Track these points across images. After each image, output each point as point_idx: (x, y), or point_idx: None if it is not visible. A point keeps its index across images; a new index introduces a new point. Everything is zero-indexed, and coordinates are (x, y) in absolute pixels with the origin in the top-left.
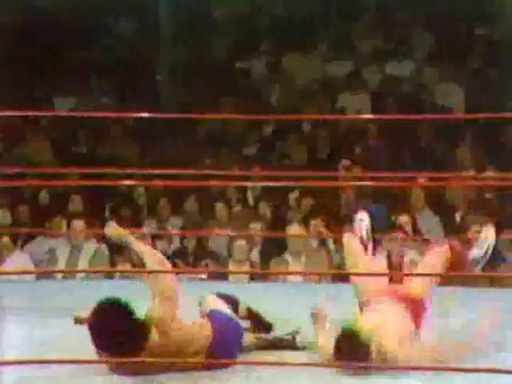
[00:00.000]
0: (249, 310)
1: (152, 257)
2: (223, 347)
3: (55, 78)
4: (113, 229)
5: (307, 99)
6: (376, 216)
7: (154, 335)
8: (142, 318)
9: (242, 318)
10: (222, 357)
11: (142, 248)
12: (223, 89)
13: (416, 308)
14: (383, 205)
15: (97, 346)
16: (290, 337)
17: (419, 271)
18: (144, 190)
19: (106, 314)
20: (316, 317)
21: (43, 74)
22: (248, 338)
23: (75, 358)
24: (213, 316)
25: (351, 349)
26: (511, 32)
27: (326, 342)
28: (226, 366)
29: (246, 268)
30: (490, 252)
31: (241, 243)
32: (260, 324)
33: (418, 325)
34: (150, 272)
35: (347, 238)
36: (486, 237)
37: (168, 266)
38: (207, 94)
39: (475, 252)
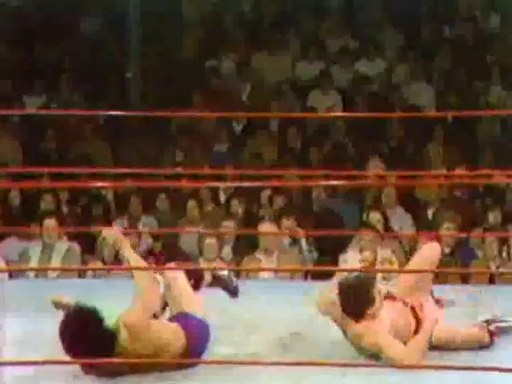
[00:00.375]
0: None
1: (137, 262)
2: (197, 353)
3: (24, 77)
4: (110, 233)
5: (277, 98)
6: (347, 214)
7: (125, 340)
8: (112, 324)
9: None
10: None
11: (134, 258)
12: (193, 87)
13: (419, 315)
14: (354, 203)
15: (66, 351)
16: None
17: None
18: (115, 189)
19: (75, 320)
20: None
21: (12, 73)
22: None
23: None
24: (183, 321)
25: (355, 292)
26: (479, 32)
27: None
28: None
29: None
30: None
31: (211, 241)
32: (225, 287)
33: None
34: (125, 269)
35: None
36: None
37: (155, 282)
38: (177, 92)
39: None
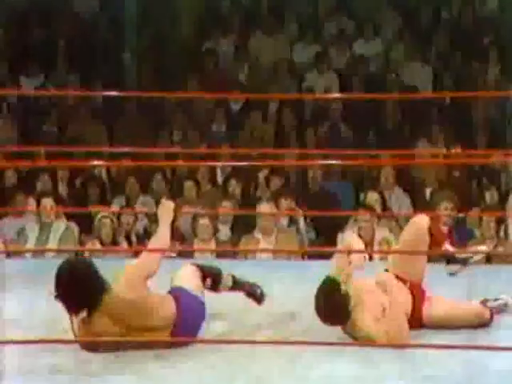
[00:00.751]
0: (234, 279)
1: (163, 239)
2: (188, 327)
3: (21, 58)
4: (167, 206)
5: (274, 79)
6: (342, 195)
7: (116, 290)
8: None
9: (225, 289)
10: (187, 336)
11: (166, 232)
12: (190, 68)
13: (416, 292)
14: (349, 183)
15: (57, 295)
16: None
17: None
18: (112, 169)
19: (69, 265)
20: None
21: (8, 54)
22: None
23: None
24: (176, 294)
25: (330, 298)
26: (476, 14)
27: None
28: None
29: (212, 246)
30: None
31: (205, 222)
32: (249, 293)
33: (417, 309)
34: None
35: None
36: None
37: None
38: (173, 73)
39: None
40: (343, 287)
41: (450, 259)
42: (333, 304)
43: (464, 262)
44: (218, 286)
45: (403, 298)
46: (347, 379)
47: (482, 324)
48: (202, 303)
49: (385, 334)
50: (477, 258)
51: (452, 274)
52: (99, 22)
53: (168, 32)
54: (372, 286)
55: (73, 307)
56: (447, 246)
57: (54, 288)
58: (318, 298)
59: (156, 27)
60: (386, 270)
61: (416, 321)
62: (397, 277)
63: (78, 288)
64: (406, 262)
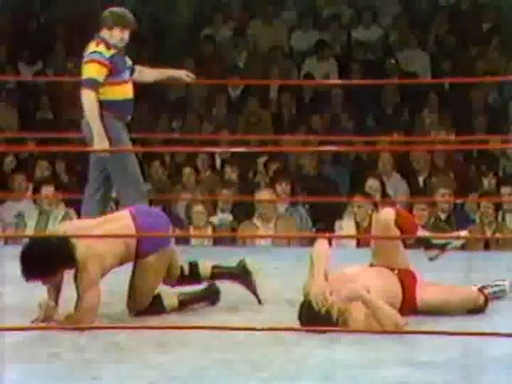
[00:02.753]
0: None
1: None
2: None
3: (19, 44)
4: None
5: (273, 65)
6: (340, 181)
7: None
8: None
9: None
10: (151, 248)
11: None
12: (188, 54)
13: (405, 278)
14: (347, 169)
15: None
16: None
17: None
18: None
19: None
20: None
21: (6, 40)
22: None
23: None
24: (135, 214)
25: (312, 318)
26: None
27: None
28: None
29: (209, 232)
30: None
31: (199, 209)
32: (232, 277)
33: (409, 295)
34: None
35: None
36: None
37: None
38: (171, 58)
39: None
40: (322, 309)
41: (428, 245)
42: (316, 323)
43: (442, 248)
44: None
45: (389, 286)
46: (345, 365)
47: (477, 308)
48: (161, 215)
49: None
50: (456, 243)
51: (431, 259)
52: (97, 6)
53: (167, 18)
54: (351, 275)
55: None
56: (422, 232)
57: (22, 272)
58: (300, 319)
59: (155, 13)
60: (371, 265)
61: (410, 306)
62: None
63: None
64: (385, 253)
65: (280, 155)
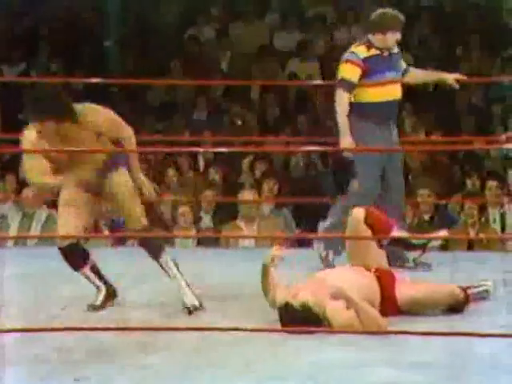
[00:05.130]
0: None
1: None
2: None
3: (2, 46)
4: None
5: (257, 66)
6: (325, 183)
7: None
8: None
9: None
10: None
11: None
12: (172, 55)
13: (383, 278)
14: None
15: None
16: None
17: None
18: None
19: None
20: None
21: None
22: None
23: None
24: None
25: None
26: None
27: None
28: None
29: (193, 234)
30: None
31: (184, 210)
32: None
33: (388, 294)
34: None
35: None
36: None
37: None
38: (156, 60)
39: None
40: (295, 304)
41: (408, 245)
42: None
43: (423, 247)
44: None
45: (366, 286)
46: (332, 366)
47: (458, 305)
48: None
49: (357, 319)
50: (435, 243)
51: (416, 263)
52: (82, 7)
53: (151, 19)
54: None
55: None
56: (397, 233)
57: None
58: (282, 321)
59: (139, 14)
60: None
61: (390, 305)
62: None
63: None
64: (359, 253)
65: (266, 156)
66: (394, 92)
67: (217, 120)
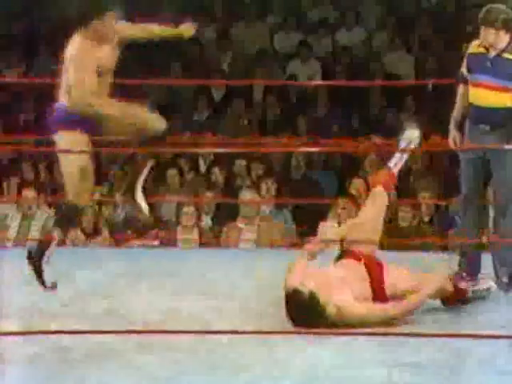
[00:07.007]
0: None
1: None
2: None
3: (2, 49)
4: None
5: (258, 67)
6: (326, 184)
7: None
8: None
9: None
10: None
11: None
12: (172, 56)
13: (372, 269)
14: (333, 172)
15: None
16: None
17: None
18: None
19: None
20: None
21: None
22: None
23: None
24: None
25: (299, 307)
26: (458, 1)
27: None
28: None
29: (195, 234)
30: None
31: (188, 209)
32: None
33: (377, 285)
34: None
35: None
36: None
37: None
38: (156, 60)
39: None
40: (304, 290)
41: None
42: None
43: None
44: None
45: (360, 281)
46: (328, 366)
47: (447, 297)
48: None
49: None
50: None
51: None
52: (80, 7)
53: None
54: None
55: None
56: None
57: None
58: (288, 310)
59: (139, 14)
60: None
61: (380, 295)
62: (352, 252)
63: None
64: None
65: (262, 157)
66: (489, 97)
67: (217, 121)
